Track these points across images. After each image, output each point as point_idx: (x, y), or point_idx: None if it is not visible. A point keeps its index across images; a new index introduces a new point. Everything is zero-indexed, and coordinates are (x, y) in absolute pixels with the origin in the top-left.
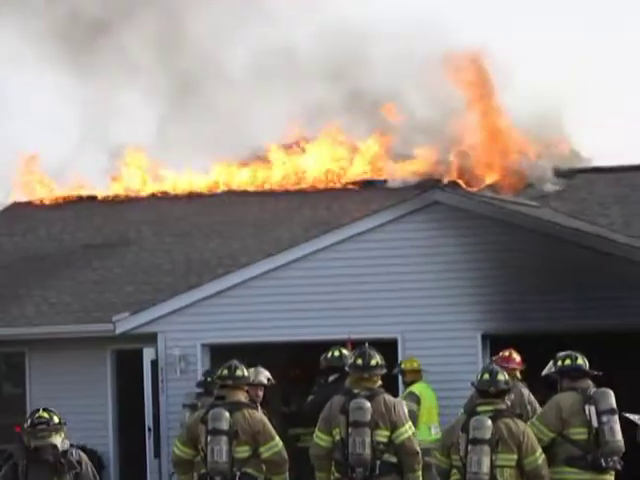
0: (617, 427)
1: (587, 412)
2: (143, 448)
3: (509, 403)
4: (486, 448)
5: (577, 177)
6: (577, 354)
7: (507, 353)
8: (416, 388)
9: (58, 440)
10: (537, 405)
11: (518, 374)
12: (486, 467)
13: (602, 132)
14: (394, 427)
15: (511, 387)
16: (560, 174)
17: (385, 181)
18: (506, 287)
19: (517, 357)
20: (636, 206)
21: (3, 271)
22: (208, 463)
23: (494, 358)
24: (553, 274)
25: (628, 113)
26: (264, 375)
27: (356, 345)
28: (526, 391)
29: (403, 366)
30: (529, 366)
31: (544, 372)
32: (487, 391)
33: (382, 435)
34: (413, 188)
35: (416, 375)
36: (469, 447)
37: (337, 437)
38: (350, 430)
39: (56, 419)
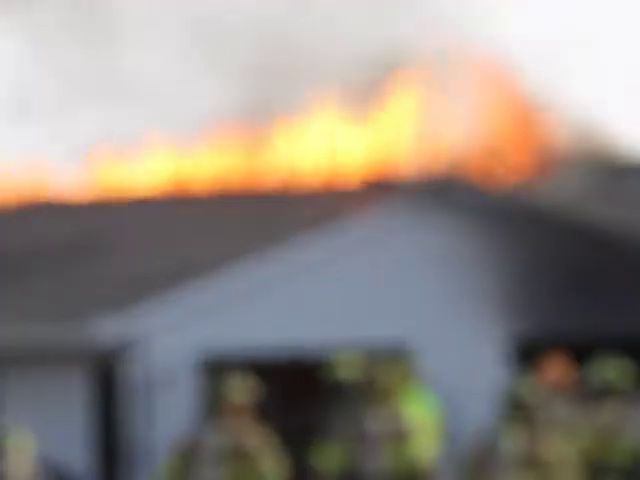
0: None
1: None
2: (129, 467)
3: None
4: (514, 464)
5: (610, 174)
6: (610, 363)
7: (548, 366)
8: None
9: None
10: (575, 419)
11: (559, 388)
12: None
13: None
14: (408, 439)
15: (543, 401)
16: (591, 170)
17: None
18: (530, 289)
19: (558, 370)
20: None
21: None
22: None
23: (535, 371)
24: (583, 276)
25: None
26: (248, 390)
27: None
28: (566, 406)
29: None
30: (562, 374)
31: (583, 381)
32: (516, 404)
33: (397, 447)
34: (429, 185)
35: None
36: (497, 464)
37: (351, 450)
38: (365, 442)
39: (15, 443)
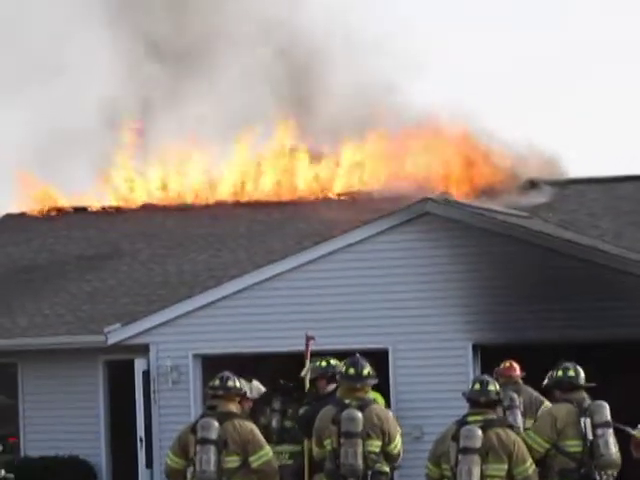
0: (612, 440)
1: (582, 424)
2: (135, 459)
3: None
4: (476, 458)
5: (567, 188)
6: (570, 365)
7: (508, 364)
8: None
9: None
10: (546, 400)
11: (520, 380)
12: (476, 477)
13: (590, 144)
14: (390, 438)
15: (502, 397)
16: (550, 185)
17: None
18: (497, 297)
19: (517, 366)
20: (626, 217)
21: None
22: (196, 473)
23: (496, 370)
24: (544, 284)
25: (616, 124)
26: (256, 389)
27: (313, 340)
28: (533, 391)
29: None
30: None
31: (544, 383)
32: (478, 401)
33: (374, 445)
34: (404, 199)
35: None
36: (459, 456)
37: (329, 447)
38: (342, 440)
39: None
